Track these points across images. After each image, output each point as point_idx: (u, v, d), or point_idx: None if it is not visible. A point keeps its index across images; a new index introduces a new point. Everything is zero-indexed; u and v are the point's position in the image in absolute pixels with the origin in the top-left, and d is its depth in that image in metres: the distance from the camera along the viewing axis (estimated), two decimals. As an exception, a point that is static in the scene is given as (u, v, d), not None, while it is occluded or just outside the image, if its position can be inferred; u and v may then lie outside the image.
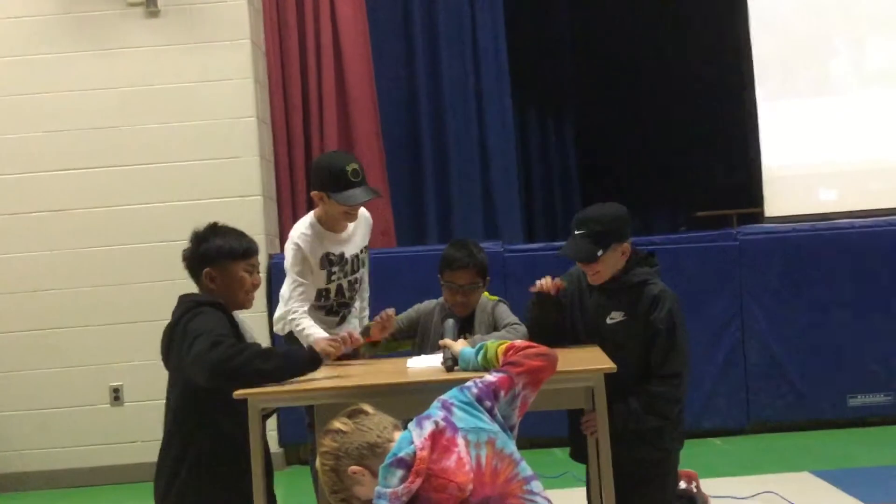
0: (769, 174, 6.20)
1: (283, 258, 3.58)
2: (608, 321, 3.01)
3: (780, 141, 6.23)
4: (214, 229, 2.88)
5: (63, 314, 5.32)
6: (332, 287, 3.53)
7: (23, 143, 5.37)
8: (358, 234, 3.63)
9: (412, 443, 2.08)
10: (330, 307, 3.58)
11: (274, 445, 5.14)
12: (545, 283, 3.08)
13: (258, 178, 5.40)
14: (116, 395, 5.35)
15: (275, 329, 3.70)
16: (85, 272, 5.33)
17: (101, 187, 5.35)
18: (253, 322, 4.47)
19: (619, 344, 2.96)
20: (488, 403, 2.21)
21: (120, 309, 5.29)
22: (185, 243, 2.91)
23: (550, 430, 3.47)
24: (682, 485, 3.88)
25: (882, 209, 5.85)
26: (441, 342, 2.84)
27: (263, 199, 5.44)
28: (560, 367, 2.41)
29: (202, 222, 2.96)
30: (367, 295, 3.74)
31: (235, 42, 5.40)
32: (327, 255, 3.48)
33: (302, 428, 3.62)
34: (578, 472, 3.25)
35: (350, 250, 3.56)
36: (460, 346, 2.72)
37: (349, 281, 3.58)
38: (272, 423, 5.08)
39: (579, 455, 3.14)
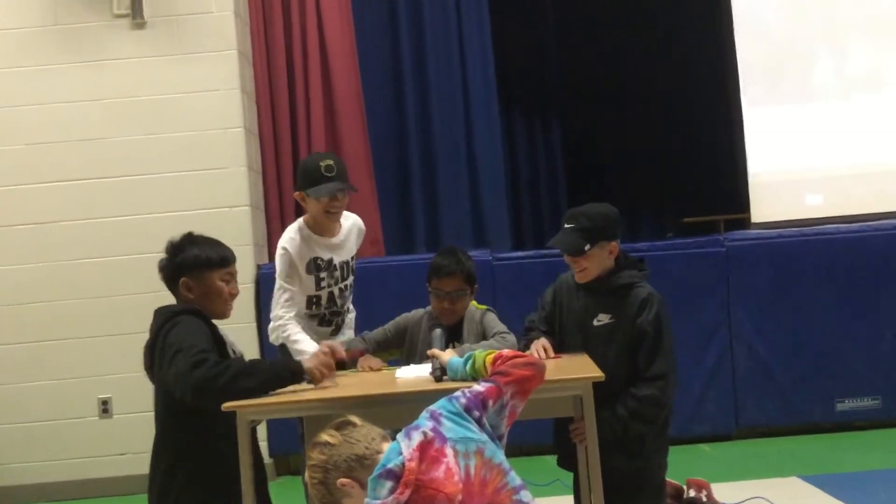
0: (755, 180, 6.22)
1: (271, 268, 3.58)
2: (595, 323, 3.03)
3: (765, 147, 6.26)
4: (190, 239, 2.88)
5: (51, 326, 5.30)
6: (324, 294, 3.54)
7: (8, 155, 5.35)
8: (349, 241, 3.63)
9: (401, 454, 2.09)
10: (322, 316, 3.58)
11: (265, 456, 5.12)
12: (539, 351, 3.01)
13: (246, 189, 5.40)
14: (105, 408, 5.32)
15: (270, 339, 3.70)
16: (72, 284, 5.31)
17: (88, 199, 5.34)
18: (241, 333, 4.49)
19: (605, 346, 2.97)
20: (477, 413, 2.21)
21: (108, 321, 5.27)
22: (171, 255, 2.91)
23: (539, 437, 3.47)
24: (692, 493, 3.89)
25: (867, 214, 5.88)
26: (429, 352, 2.85)
27: (251, 209, 5.43)
28: (548, 375, 2.42)
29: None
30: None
31: (222, 52, 5.40)
32: (315, 259, 3.49)
33: (292, 438, 3.62)
34: (567, 479, 3.25)
35: (339, 257, 3.57)
36: (448, 355, 2.72)
37: (339, 288, 3.58)
38: (262, 433, 5.07)
39: (566, 462, 3.15)
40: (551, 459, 3.29)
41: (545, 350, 3.00)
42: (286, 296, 3.44)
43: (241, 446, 2.55)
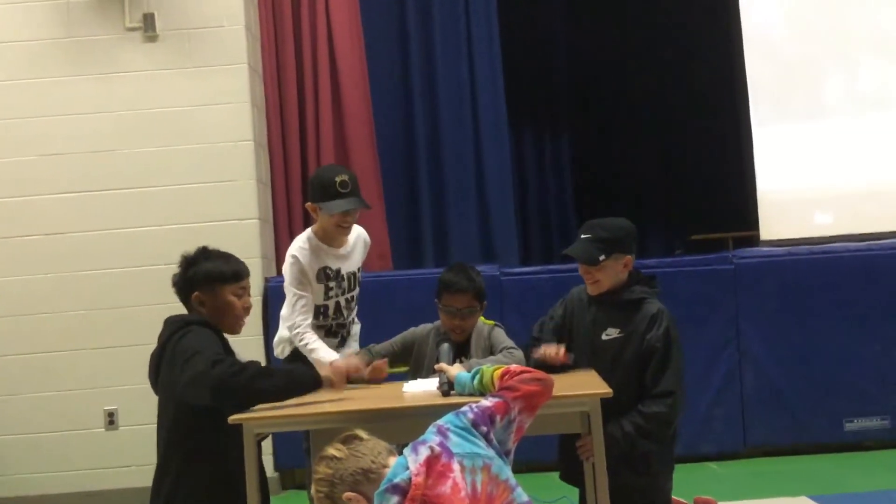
0: (764, 198, 6.22)
1: (279, 281, 3.59)
2: (604, 337, 3.02)
3: (775, 164, 6.25)
4: (204, 253, 2.89)
5: (58, 338, 5.30)
6: (331, 304, 3.55)
7: (19, 167, 5.37)
8: (356, 252, 3.65)
9: (407, 468, 2.08)
10: (329, 327, 3.59)
11: (269, 470, 5.12)
12: (551, 351, 3.03)
13: (255, 202, 5.41)
14: (111, 419, 5.32)
15: (275, 352, 3.70)
16: (81, 295, 5.32)
17: (98, 211, 5.35)
18: (248, 345, 4.50)
19: (613, 360, 2.96)
20: (484, 428, 2.20)
21: (115, 332, 5.27)
22: (180, 267, 2.91)
23: (545, 454, 3.46)
24: None
25: (877, 233, 5.87)
26: (437, 366, 2.84)
27: (260, 222, 5.44)
28: (555, 391, 2.41)
29: (198, 245, 2.96)
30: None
31: (233, 66, 5.42)
32: (324, 269, 3.51)
33: (298, 452, 3.61)
34: (573, 495, 3.24)
35: (347, 268, 3.58)
36: (456, 370, 2.72)
37: (346, 299, 3.59)
38: (267, 447, 5.06)
39: (569, 478, 3.14)
40: (557, 476, 3.27)
41: (556, 353, 2.98)
42: (302, 301, 3.45)
43: (248, 458, 2.55)
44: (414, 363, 3.48)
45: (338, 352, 3.53)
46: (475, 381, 2.56)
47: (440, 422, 2.22)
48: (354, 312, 3.71)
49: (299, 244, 3.53)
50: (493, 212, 6.34)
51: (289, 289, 3.50)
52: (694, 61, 6.99)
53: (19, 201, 5.37)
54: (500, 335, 3.41)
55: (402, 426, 2.52)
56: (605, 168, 7.28)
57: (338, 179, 3.43)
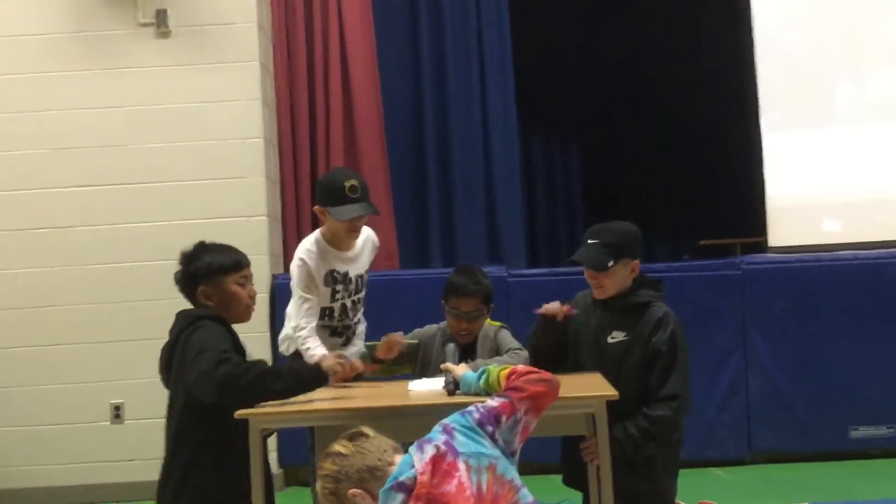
0: (773, 204, 6.20)
1: (287, 278, 3.59)
2: (609, 340, 3.02)
3: (784, 171, 6.23)
4: (202, 247, 2.91)
5: (65, 331, 5.32)
6: (337, 306, 3.55)
7: (30, 160, 5.39)
8: (364, 254, 3.65)
9: (413, 467, 2.08)
10: (334, 328, 3.59)
11: (274, 467, 5.12)
12: (553, 307, 3.06)
13: (264, 199, 5.42)
14: (117, 413, 5.34)
15: (280, 349, 3.71)
16: (89, 289, 5.34)
17: (107, 205, 5.37)
18: (255, 342, 4.49)
19: (618, 363, 2.96)
20: (490, 428, 2.20)
21: (122, 326, 5.29)
22: (188, 263, 2.92)
23: (549, 456, 3.46)
24: None
25: (886, 241, 5.84)
26: (443, 366, 2.85)
27: (268, 219, 5.45)
28: (562, 392, 2.41)
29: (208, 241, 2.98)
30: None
31: (244, 63, 5.44)
32: (332, 272, 3.50)
33: (302, 449, 3.62)
34: (576, 499, 3.23)
35: (354, 270, 3.58)
36: (462, 370, 2.72)
37: (352, 301, 3.59)
38: (272, 443, 5.07)
39: (572, 481, 3.13)
40: (559, 478, 3.27)
41: (559, 305, 2.99)
42: (306, 305, 3.46)
43: (253, 454, 2.55)
44: (420, 363, 3.48)
45: (341, 352, 3.52)
46: (481, 381, 2.56)
47: (446, 421, 2.22)
48: (360, 313, 3.71)
49: (307, 247, 3.53)
50: (502, 213, 6.34)
51: (295, 290, 3.50)
52: (705, 67, 6.98)
53: (29, 194, 5.39)
54: (507, 336, 3.41)
55: (407, 425, 2.52)
56: (613, 171, 7.27)
57: (347, 184, 3.42)
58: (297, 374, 2.69)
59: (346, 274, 3.55)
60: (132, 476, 5.13)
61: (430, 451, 2.11)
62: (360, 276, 3.62)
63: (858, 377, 5.38)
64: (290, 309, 3.58)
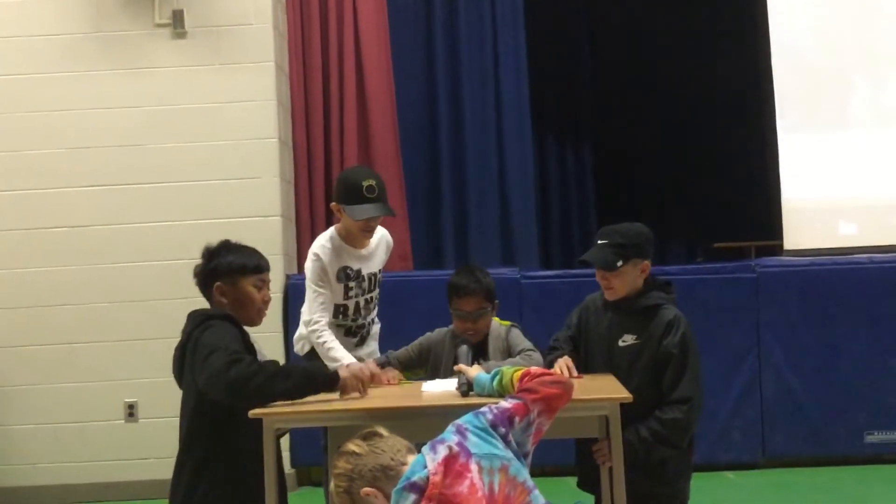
0: (788, 207, 6.18)
1: (301, 278, 3.60)
2: (620, 343, 3.01)
3: (800, 174, 6.21)
4: (227, 245, 2.93)
5: (80, 330, 5.35)
6: (350, 304, 3.55)
7: (47, 159, 5.43)
8: (378, 253, 3.66)
9: (426, 467, 2.08)
10: (348, 328, 3.60)
11: (286, 466, 5.14)
12: (563, 369, 2.98)
13: (278, 199, 5.44)
14: (131, 412, 5.37)
15: (294, 349, 3.71)
16: (104, 288, 5.37)
17: (123, 204, 5.40)
18: (269, 342, 4.52)
19: (629, 367, 2.95)
20: (503, 430, 2.20)
21: (137, 325, 5.32)
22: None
23: (563, 458, 3.45)
24: None
25: (902, 245, 5.82)
26: (456, 367, 2.85)
27: (283, 219, 5.47)
28: (575, 395, 2.41)
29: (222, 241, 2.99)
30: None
31: (260, 64, 5.46)
32: (345, 268, 3.51)
33: (314, 449, 3.63)
34: (591, 501, 3.22)
35: (368, 268, 3.59)
36: (475, 371, 2.72)
37: (366, 299, 3.60)
38: (284, 443, 5.08)
39: (586, 484, 3.12)
40: (573, 481, 3.26)
41: (568, 368, 2.98)
42: (320, 299, 3.47)
43: (267, 453, 2.56)
44: (431, 367, 3.48)
45: (356, 351, 3.54)
46: (495, 383, 2.56)
47: (459, 421, 2.22)
48: (374, 313, 3.72)
49: (322, 242, 3.55)
50: (515, 215, 6.34)
51: (309, 285, 3.52)
52: (721, 69, 6.96)
53: (45, 193, 5.42)
54: (518, 336, 3.40)
55: (420, 425, 2.53)
56: (627, 174, 7.27)
57: (365, 184, 3.43)
58: (308, 376, 2.70)
59: (359, 271, 3.56)
60: (147, 474, 5.16)
61: (442, 451, 2.11)
62: (374, 275, 3.63)
63: (874, 381, 5.34)
64: (305, 307, 3.59)
